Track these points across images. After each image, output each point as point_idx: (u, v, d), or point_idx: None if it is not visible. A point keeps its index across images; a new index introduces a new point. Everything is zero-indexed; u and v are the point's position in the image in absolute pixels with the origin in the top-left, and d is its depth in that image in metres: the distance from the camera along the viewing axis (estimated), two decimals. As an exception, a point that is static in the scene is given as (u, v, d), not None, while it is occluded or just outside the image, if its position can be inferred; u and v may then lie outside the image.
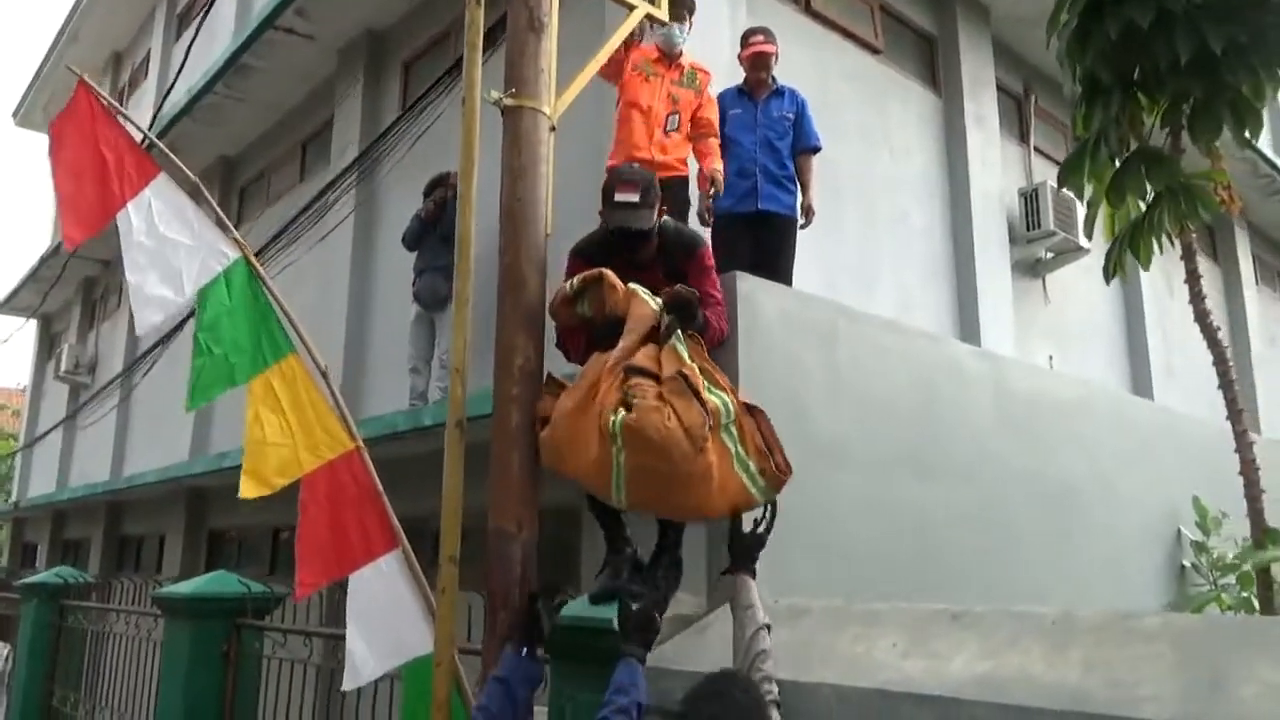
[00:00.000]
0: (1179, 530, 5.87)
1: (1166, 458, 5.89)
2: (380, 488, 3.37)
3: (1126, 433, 5.64)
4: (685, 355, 2.82)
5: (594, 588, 2.99)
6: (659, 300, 2.96)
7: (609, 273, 3.00)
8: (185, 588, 5.44)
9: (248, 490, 3.42)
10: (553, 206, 3.33)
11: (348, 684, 3.39)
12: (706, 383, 2.80)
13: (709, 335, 3.05)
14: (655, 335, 2.93)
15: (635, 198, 3.07)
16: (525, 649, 2.72)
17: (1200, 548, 5.73)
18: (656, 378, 2.79)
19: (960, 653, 2.29)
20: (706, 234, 3.96)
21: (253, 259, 3.45)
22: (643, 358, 2.87)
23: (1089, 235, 5.98)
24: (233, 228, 3.54)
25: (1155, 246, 4.21)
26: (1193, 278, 4.21)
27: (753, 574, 2.67)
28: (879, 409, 3.94)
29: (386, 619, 3.34)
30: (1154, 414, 6.40)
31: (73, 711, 7.01)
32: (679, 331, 2.85)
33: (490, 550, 3.02)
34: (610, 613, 2.92)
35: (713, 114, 4.69)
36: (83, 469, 12.89)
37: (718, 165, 4.53)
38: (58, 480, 13.64)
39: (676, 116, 4.54)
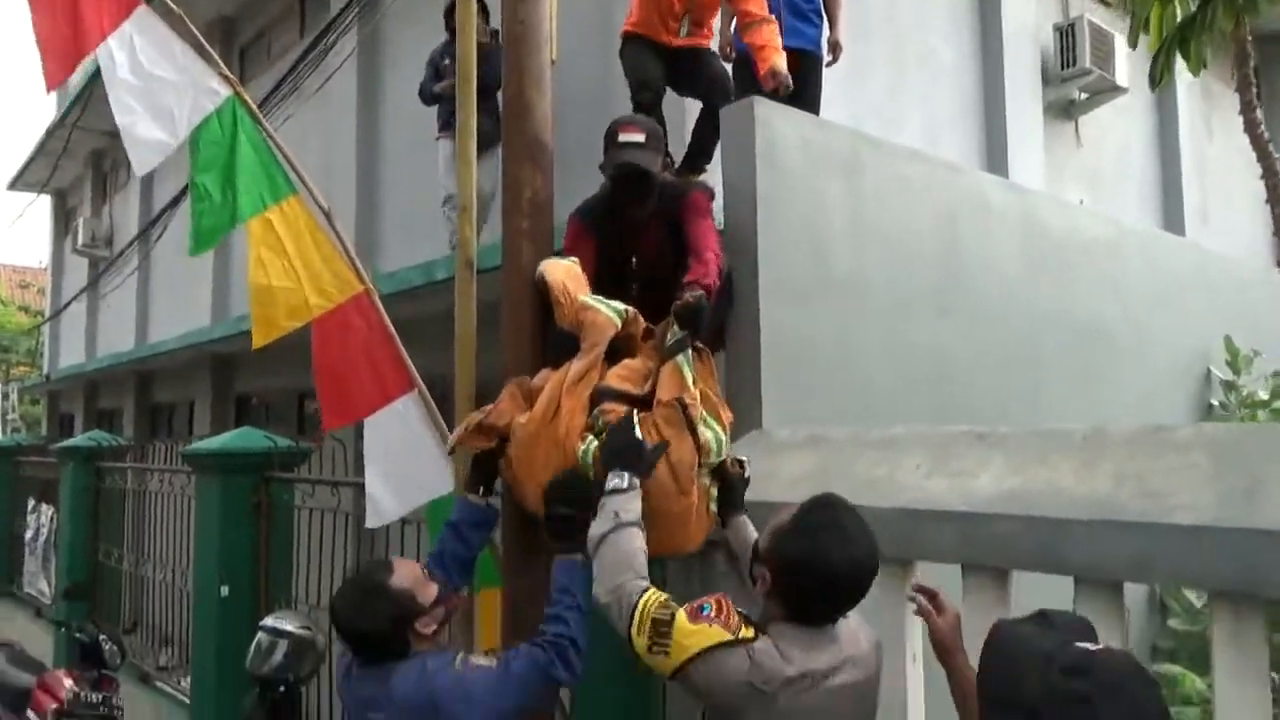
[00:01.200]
0: (1208, 370, 5.78)
1: (1198, 297, 5.74)
2: (393, 330, 3.32)
3: (1157, 271, 5.47)
4: (690, 379, 2.49)
5: None
6: (619, 307, 2.68)
7: (556, 282, 2.75)
8: (213, 443, 5.53)
9: (258, 337, 3.37)
10: (557, 30, 3.13)
11: (370, 523, 3.43)
12: (705, 413, 2.47)
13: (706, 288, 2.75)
14: (633, 345, 2.67)
15: (640, 138, 2.89)
16: (478, 491, 2.68)
17: (1230, 386, 5.65)
18: (634, 401, 2.49)
19: (985, 470, 2.24)
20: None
21: (244, 94, 3.29)
22: (619, 376, 2.58)
23: (1133, 45, 5.59)
24: (220, 62, 3.37)
25: (1205, 53, 3.93)
26: (1244, 84, 3.94)
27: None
28: (902, 243, 3.80)
29: (406, 460, 3.34)
30: (1186, 252, 6.19)
31: (118, 565, 7.29)
32: (687, 350, 2.53)
33: (506, 327, 2.96)
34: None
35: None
36: (109, 340, 13.03)
37: (779, 61, 3.62)
38: (86, 352, 13.84)
39: (689, 18, 4.02)
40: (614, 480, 2.18)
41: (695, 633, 1.77)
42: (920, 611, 1.63)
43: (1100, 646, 1.32)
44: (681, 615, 1.81)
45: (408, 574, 2.28)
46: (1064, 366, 4.63)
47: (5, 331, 22.68)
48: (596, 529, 2.11)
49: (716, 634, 1.76)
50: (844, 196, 3.58)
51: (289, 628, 3.61)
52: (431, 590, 2.29)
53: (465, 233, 3.04)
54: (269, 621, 3.67)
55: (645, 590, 1.91)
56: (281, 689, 3.54)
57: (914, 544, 2.24)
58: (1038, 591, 2.28)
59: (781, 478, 2.61)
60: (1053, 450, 2.20)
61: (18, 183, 15.84)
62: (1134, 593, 3.43)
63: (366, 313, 3.29)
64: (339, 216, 3.47)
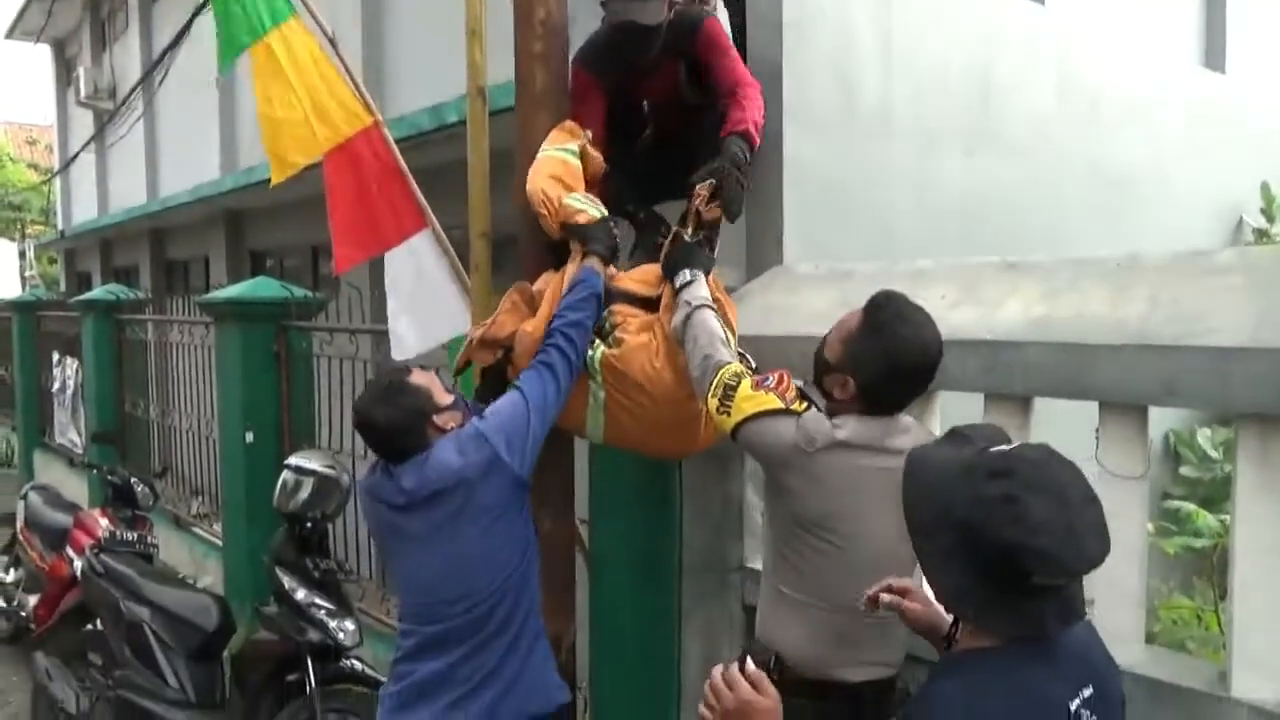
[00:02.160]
0: (1240, 218, 5.62)
1: (1234, 142, 5.52)
2: (404, 165, 3.22)
3: (1194, 114, 5.24)
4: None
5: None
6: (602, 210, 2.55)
7: (535, 191, 2.56)
8: (229, 292, 5.53)
9: (275, 175, 3.30)
10: None
11: (395, 355, 3.42)
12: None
13: (749, 143, 2.57)
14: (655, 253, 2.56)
15: None
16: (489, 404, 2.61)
17: (1262, 235, 5.51)
18: (644, 302, 2.44)
19: (1013, 298, 2.18)
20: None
21: None
22: (634, 279, 2.52)
23: None
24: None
25: None
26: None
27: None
28: (932, 76, 3.63)
29: (424, 297, 3.31)
30: (1225, 93, 5.92)
31: (144, 416, 7.45)
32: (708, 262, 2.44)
33: (521, 228, 2.89)
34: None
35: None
36: (120, 194, 12.93)
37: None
38: (99, 207, 13.76)
39: None
40: (680, 278, 2.34)
41: (752, 398, 1.97)
42: (893, 606, 1.61)
43: (1016, 444, 1.30)
44: (746, 383, 2.01)
45: (425, 377, 2.36)
46: (1093, 210, 4.51)
47: (15, 188, 22.54)
48: (676, 319, 2.28)
49: (771, 401, 1.96)
50: (873, 25, 3.39)
51: (314, 466, 3.66)
52: (448, 395, 2.34)
53: (474, 56, 2.90)
54: (294, 460, 3.72)
55: (727, 363, 2.08)
56: (309, 525, 3.63)
57: (938, 374, 2.21)
58: (1056, 423, 2.28)
59: (803, 312, 2.57)
60: (1084, 277, 2.14)
61: (15, 30, 15.38)
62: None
63: (376, 147, 3.19)
64: (343, 48, 3.32)
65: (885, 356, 1.85)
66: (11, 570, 5.62)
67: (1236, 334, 1.78)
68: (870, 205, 3.35)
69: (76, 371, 8.53)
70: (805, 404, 1.99)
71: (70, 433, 8.88)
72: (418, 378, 2.33)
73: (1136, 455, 1.97)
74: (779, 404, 1.95)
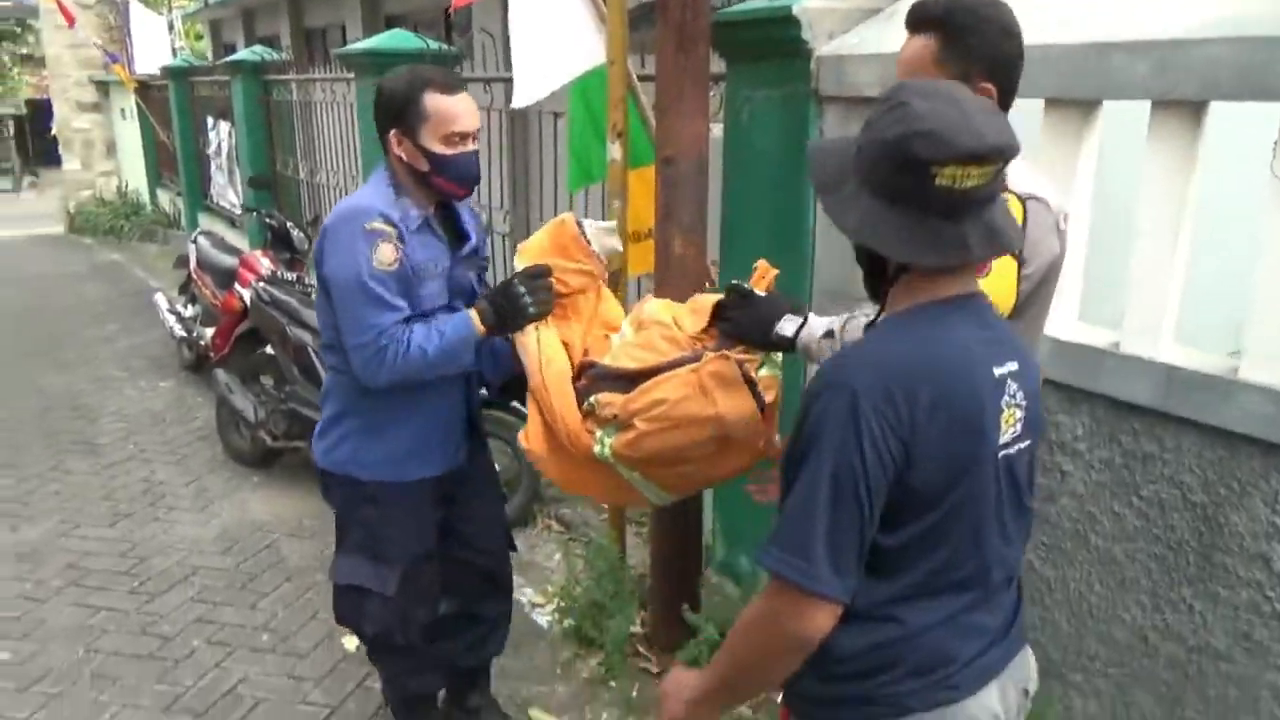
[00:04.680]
0: None
1: None
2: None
3: None
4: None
5: None
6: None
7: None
8: (367, 44, 5.60)
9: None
10: None
11: (518, 102, 3.44)
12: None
13: None
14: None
15: None
16: None
17: None
18: (631, 379, 1.98)
19: (1195, -7, 1.98)
20: None
21: None
22: (634, 351, 2.05)
23: None
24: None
25: None
26: None
27: None
28: None
29: (553, 32, 3.26)
30: None
31: (294, 174, 7.80)
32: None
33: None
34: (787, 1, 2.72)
35: None
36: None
37: None
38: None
39: None
40: (785, 328, 1.87)
41: None
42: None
43: None
44: None
45: None
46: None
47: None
48: (821, 347, 1.82)
49: None
50: None
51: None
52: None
53: None
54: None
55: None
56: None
57: (1101, 80, 2.07)
58: (1230, 134, 2.12)
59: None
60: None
61: None
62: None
63: None
64: None
65: (1011, 33, 1.55)
66: (189, 306, 6.17)
67: None
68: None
69: (229, 133, 8.92)
70: None
71: (228, 194, 9.41)
72: None
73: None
74: None
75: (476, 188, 2.23)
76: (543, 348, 2.12)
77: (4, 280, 10.26)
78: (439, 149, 2.09)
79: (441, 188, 2.16)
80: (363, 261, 2.03)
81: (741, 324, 1.94)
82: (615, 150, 3.04)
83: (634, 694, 2.93)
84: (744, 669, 1.31)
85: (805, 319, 1.86)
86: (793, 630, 1.21)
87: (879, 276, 1.30)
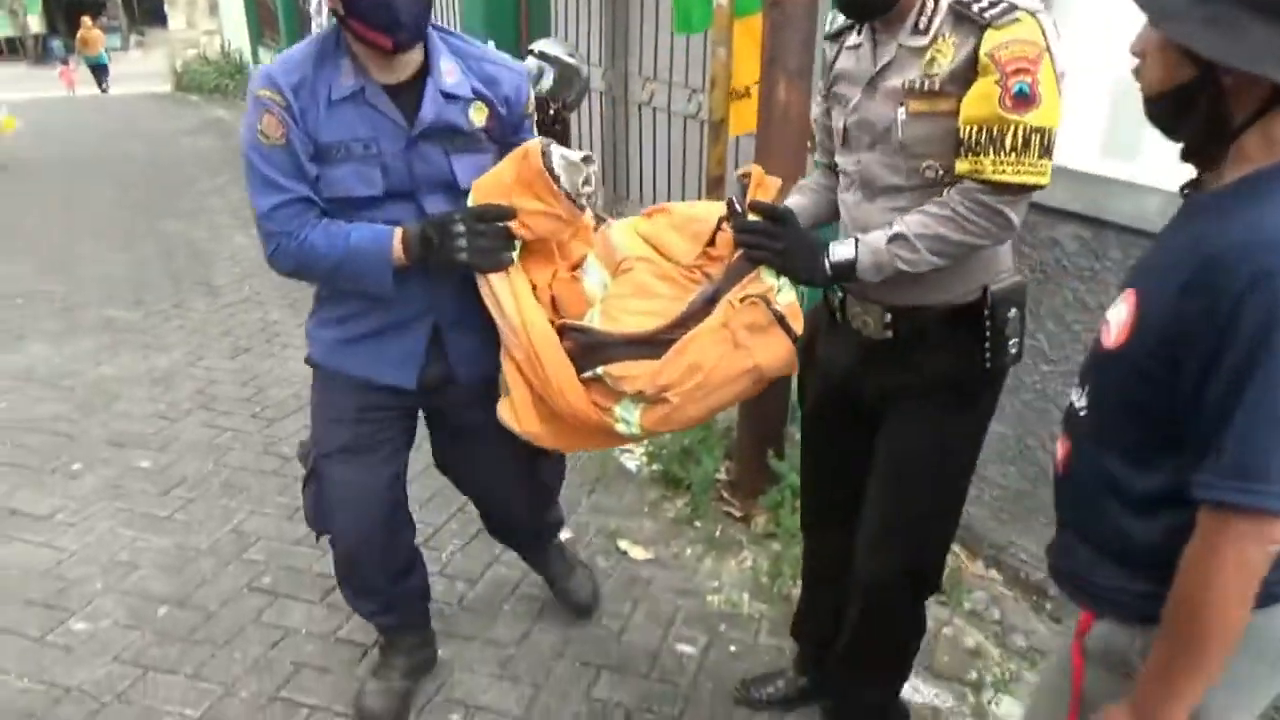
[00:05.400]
0: None
1: None
2: None
3: None
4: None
5: None
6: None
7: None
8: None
9: None
10: None
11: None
12: (778, 283, 1.71)
13: None
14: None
15: None
16: None
17: None
18: (644, 343, 1.71)
19: None
20: None
21: None
22: (642, 311, 1.76)
23: None
24: None
25: None
26: None
27: None
28: None
29: None
30: None
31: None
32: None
33: None
34: None
35: None
36: None
37: None
38: None
39: None
40: (841, 251, 1.62)
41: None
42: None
43: None
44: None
45: None
46: None
47: None
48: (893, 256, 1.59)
49: None
50: None
51: (557, 53, 3.75)
52: None
53: None
54: (538, 46, 3.79)
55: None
56: (551, 113, 3.79)
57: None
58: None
59: None
60: None
61: None
62: None
63: None
64: None
65: None
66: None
67: None
68: None
69: (329, -10, 8.89)
70: None
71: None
72: None
73: None
74: None
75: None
76: (520, 303, 1.77)
77: (122, 135, 10.70)
78: None
79: (359, 33, 1.70)
80: (249, 132, 1.75)
81: (788, 255, 1.65)
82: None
83: (717, 534, 3.08)
84: (1211, 635, 1.07)
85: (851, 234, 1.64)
86: (1259, 560, 1.05)
87: (1220, 129, 1.09)
